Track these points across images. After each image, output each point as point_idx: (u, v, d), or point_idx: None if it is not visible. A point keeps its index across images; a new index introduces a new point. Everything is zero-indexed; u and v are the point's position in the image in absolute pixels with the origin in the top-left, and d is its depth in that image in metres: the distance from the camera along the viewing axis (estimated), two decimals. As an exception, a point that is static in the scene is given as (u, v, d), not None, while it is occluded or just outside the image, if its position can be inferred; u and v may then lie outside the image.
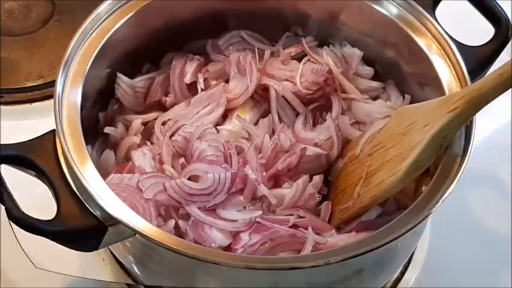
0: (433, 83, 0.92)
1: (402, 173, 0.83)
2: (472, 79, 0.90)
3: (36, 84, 1.24)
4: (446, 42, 0.92)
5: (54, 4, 1.35)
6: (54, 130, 0.83)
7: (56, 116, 0.84)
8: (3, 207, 0.79)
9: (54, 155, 0.82)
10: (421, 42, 0.94)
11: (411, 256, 1.09)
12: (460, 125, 0.82)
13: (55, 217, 0.79)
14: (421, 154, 0.81)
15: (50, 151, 0.83)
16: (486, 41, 0.95)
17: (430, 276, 1.08)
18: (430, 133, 0.80)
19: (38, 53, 1.28)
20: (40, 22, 1.33)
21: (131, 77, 1.01)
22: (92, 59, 0.91)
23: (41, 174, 0.82)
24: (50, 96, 1.22)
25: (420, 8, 0.95)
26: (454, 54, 0.91)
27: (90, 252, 0.82)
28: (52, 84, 1.22)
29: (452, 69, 0.91)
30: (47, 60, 1.27)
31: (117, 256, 0.98)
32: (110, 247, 1.06)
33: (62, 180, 0.81)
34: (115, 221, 0.77)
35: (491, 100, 0.77)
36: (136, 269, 0.94)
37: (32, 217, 0.77)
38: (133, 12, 0.96)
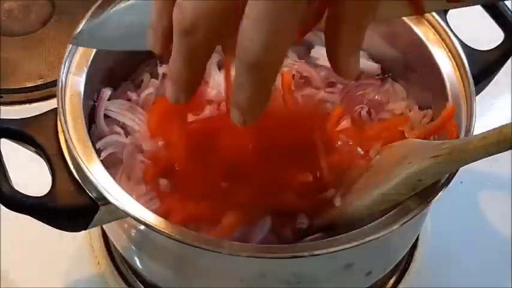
0: (435, 80, 0.93)
1: (369, 200, 0.82)
2: (479, 83, 0.90)
3: (35, 84, 1.24)
4: (451, 39, 0.93)
5: (54, 4, 1.35)
6: (55, 109, 0.85)
7: (58, 94, 0.85)
8: (3, 210, 0.79)
9: (54, 132, 0.84)
10: (431, 46, 0.94)
11: (412, 256, 1.09)
12: (439, 175, 0.79)
13: (47, 193, 0.80)
14: (392, 189, 0.80)
15: (51, 129, 0.84)
16: (495, 46, 0.95)
17: (431, 277, 1.08)
18: (407, 171, 0.79)
19: (38, 53, 1.28)
20: (40, 22, 1.33)
21: (136, 65, 1.03)
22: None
23: (39, 150, 0.84)
24: (50, 97, 1.22)
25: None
26: (458, 53, 0.91)
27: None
28: (52, 84, 1.23)
29: (457, 69, 0.91)
30: (47, 61, 1.27)
31: (115, 244, 0.99)
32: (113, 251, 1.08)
33: (59, 157, 0.82)
34: (107, 201, 0.78)
35: (474, 160, 0.75)
36: (134, 258, 0.95)
37: (20, 192, 0.78)
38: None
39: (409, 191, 0.80)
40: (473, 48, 0.94)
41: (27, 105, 1.23)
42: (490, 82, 0.96)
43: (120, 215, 0.79)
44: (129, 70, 1.04)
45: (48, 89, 1.23)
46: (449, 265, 1.09)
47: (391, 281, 1.08)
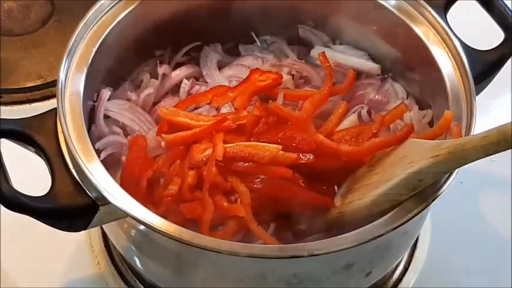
0: (435, 80, 0.93)
1: (369, 200, 0.83)
2: (479, 83, 0.91)
3: (35, 84, 1.24)
4: (451, 39, 0.93)
5: (54, 4, 1.35)
6: (55, 109, 0.85)
7: (58, 94, 0.85)
8: (3, 210, 0.79)
9: (54, 132, 0.84)
10: (431, 46, 0.94)
11: (412, 257, 1.09)
12: (438, 175, 0.79)
13: (47, 193, 0.80)
14: (392, 189, 0.81)
15: (50, 129, 0.84)
16: (495, 46, 0.95)
17: (431, 277, 1.08)
18: (407, 171, 0.79)
19: (38, 53, 1.28)
20: (39, 22, 1.33)
21: (136, 65, 1.03)
22: (97, 46, 0.92)
23: (39, 151, 0.84)
24: (50, 97, 1.22)
25: (430, 9, 0.95)
26: (458, 53, 0.91)
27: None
28: (52, 84, 1.23)
29: (457, 69, 0.91)
30: (47, 60, 1.27)
31: (115, 244, 0.99)
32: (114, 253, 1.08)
33: (59, 157, 0.82)
34: (107, 201, 0.78)
35: (473, 159, 0.75)
36: (134, 258, 0.95)
37: (20, 193, 0.78)
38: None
39: (409, 191, 0.80)
40: (473, 48, 0.94)
41: (27, 105, 1.23)
42: (490, 82, 0.96)
43: (120, 215, 0.79)
44: (129, 70, 1.04)
45: (48, 89, 1.23)
46: (449, 265, 1.09)
47: (391, 281, 1.08)
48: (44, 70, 1.26)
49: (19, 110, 1.22)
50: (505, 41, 0.95)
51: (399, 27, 0.97)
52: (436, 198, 0.79)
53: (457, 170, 0.79)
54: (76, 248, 1.08)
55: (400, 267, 1.09)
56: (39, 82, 1.25)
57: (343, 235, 0.77)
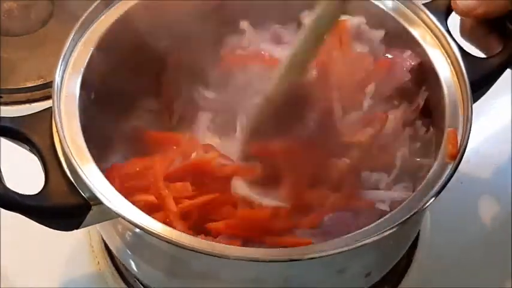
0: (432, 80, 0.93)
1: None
2: (477, 90, 0.90)
3: (35, 84, 1.24)
4: (449, 43, 0.93)
5: (54, 4, 1.35)
6: (51, 107, 0.85)
7: (53, 95, 0.86)
8: (3, 210, 0.79)
9: (49, 131, 0.84)
10: (429, 49, 0.94)
11: (411, 256, 1.09)
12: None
13: (39, 192, 0.80)
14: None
15: (45, 128, 0.84)
16: (494, 53, 0.94)
17: (431, 277, 1.08)
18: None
19: (38, 53, 1.28)
20: (40, 22, 1.33)
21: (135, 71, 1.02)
22: (94, 47, 0.92)
23: (33, 149, 0.84)
24: (50, 97, 1.21)
25: (428, 13, 0.95)
26: (457, 59, 0.91)
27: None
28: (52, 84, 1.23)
29: (455, 74, 0.91)
30: (47, 61, 1.27)
31: (109, 245, 0.99)
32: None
33: (53, 156, 0.82)
34: (99, 201, 0.78)
35: None
36: (127, 259, 0.94)
37: (12, 191, 0.78)
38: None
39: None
40: (473, 56, 0.93)
41: (27, 105, 1.24)
42: (488, 90, 0.95)
43: (112, 215, 0.79)
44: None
45: (48, 89, 1.22)
46: (449, 265, 1.09)
47: (391, 281, 1.07)
48: (44, 70, 1.26)
49: (19, 110, 1.22)
50: (504, 48, 0.94)
51: (397, 30, 0.97)
52: (435, 198, 0.79)
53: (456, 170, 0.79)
54: (76, 247, 1.08)
55: (400, 268, 1.08)
56: (39, 82, 1.25)
57: (341, 237, 0.77)
